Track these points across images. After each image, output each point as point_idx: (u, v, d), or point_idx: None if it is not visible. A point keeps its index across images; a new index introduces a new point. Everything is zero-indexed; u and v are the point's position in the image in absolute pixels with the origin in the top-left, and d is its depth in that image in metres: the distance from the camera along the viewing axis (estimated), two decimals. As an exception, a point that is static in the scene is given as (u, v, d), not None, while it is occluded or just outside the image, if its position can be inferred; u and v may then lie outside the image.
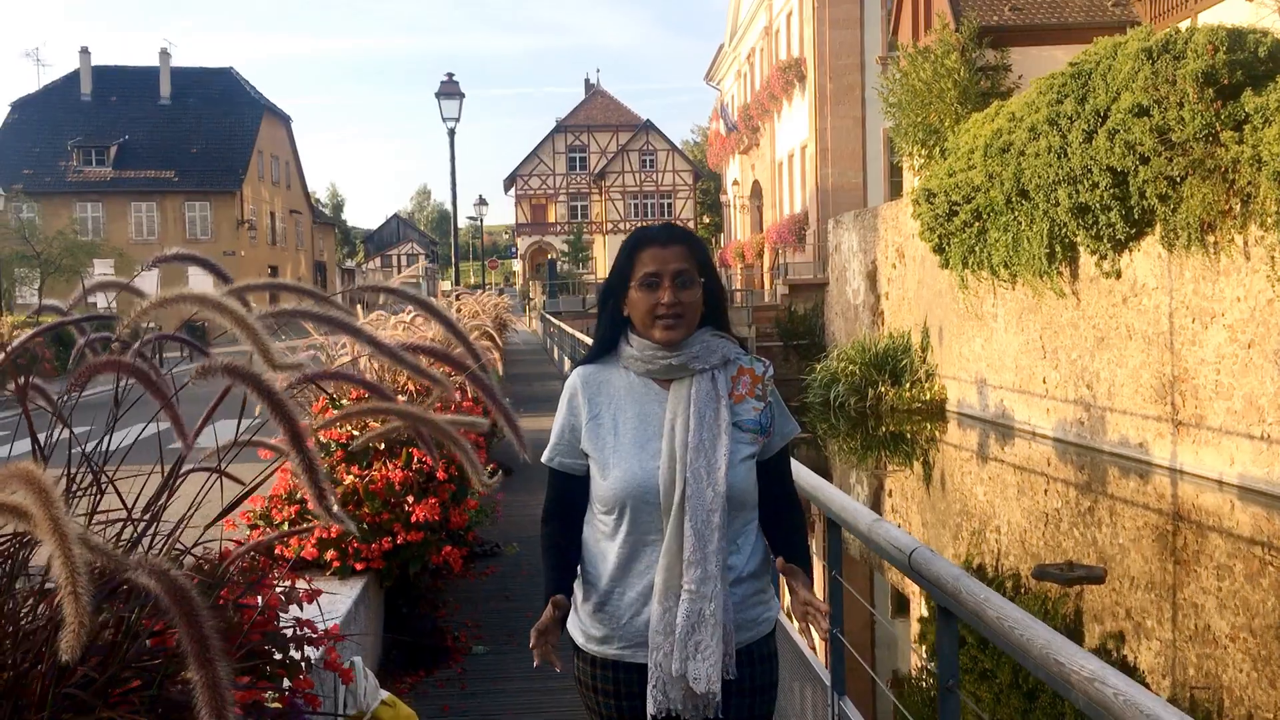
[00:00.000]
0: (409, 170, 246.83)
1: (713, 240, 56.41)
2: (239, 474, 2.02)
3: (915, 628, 8.98)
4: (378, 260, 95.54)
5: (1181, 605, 9.87)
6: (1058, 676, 1.80)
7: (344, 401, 5.16)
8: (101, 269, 42.33)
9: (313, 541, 4.85)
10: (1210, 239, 13.04)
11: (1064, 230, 15.79)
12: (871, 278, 25.14)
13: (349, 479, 5.06)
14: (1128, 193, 14.16)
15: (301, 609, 2.54)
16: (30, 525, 0.98)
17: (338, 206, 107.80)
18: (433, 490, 5.22)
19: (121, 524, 1.73)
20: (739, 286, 36.90)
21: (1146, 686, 7.74)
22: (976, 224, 18.22)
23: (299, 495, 4.81)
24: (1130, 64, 14.09)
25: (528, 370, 23.13)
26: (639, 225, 2.60)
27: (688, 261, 2.37)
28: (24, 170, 46.16)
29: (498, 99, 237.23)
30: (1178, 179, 13.30)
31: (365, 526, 4.96)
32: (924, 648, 7.86)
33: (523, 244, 71.63)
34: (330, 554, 4.89)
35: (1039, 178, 15.95)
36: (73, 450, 1.75)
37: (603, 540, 2.39)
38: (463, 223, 78.04)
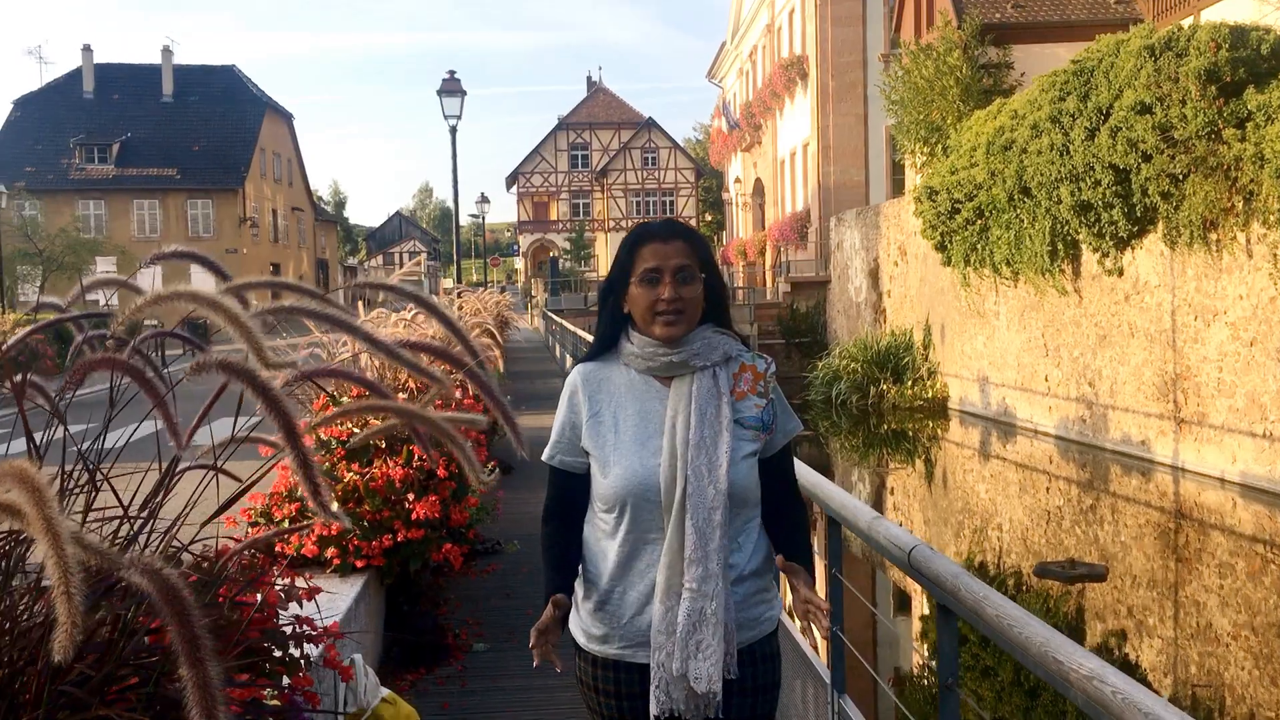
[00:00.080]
0: (411, 168, 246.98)
1: (715, 238, 56.39)
2: (240, 471, 2.02)
3: (916, 626, 8.97)
4: (380, 258, 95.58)
5: (1183, 603, 9.86)
6: (1056, 675, 1.80)
7: (344, 399, 5.15)
8: (104, 267, 42.38)
9: (313, 539, 4.86)
10: (1212, 237, 13.02)
11: (1066, 228, 15.78)
12: (873, 275, 25.13)
13: (350, 476, 5.06)
14: (1130, 190, 14.15)
15: (301, 606, 2.54)
16: (23, 523, 0.98)
17: (340, 204, 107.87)
18: (433, 488, 5.22)
19: (118, 522, 1.73)
20: (741, 284, 36.89)
21: (1148, 685, 7.72)
22: (979, 222, 18.21)
23: (299, 492, 4.81)
24: (1133, 61, 14.07)
25: (529, 368, 23.13)
26: (640, 222, 2.58)
27: (689, 257, 2.35)
28: (26, 168, 46.16)
29: (500, 96, 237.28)
30: (1180, 177, 13.28)
31: (366, 524, 4.96)
32: (924, 646, 7.86)
33: (525, 242, 71.64)
34: (331, 551, 4.89)
35: (1041, 175, 15.93)
36: (68, 448, 1.74)
37: (603, 539, 2.37)
38: (465, 220, 78.04)
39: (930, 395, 21.42)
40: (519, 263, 77.28)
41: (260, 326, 1.37)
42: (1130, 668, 7.95)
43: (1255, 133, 12.17)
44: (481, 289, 21.27)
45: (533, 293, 57.11)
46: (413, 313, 6.96)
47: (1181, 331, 13.82)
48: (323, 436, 5.10)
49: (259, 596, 2.27)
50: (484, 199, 48.79)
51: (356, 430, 4.87)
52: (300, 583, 2.61)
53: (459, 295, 13.66)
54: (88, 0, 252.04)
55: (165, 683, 1.56)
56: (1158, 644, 8.77)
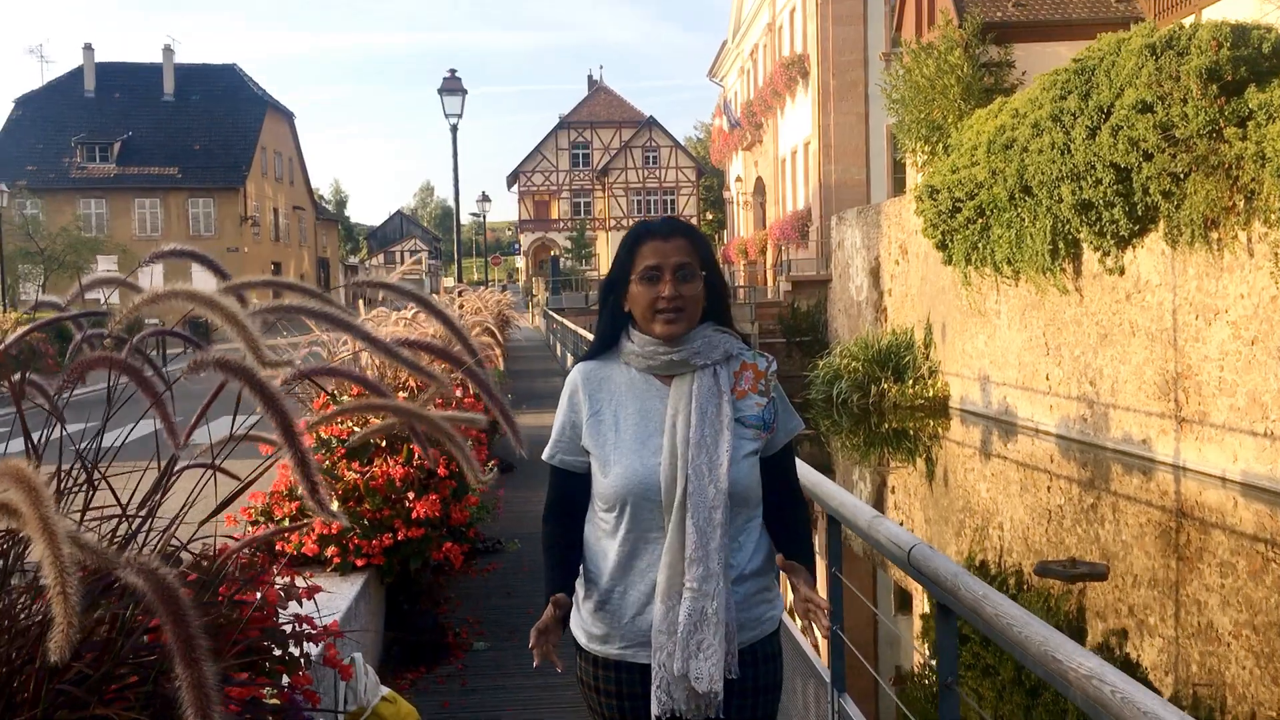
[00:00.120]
0: (412, 167, 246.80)
1: (716, 237, 56.38)
2: (242, 470, 2.02)
3: (916, 625, 8.97)
4: (381, 257, 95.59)
5: (1184, 602, 9.86)
6: (1055, 674, 1.80)
7: (345, 398, 5.15)
8: (105, 265, 42.42)
9: (313, 538, 4.86)
10: (1214, 235, 13.02)
11: (1067, 227, 15.77)
12: (874, 274, 25.12)
13: (350, 475, 5.06)
14: (1131, 189, 14.14)
15: (300, 605, 2.54)
16: (19, 523, 0.98)
17: (341, 203, 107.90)
18: (433, 486, 5.22)
19: (116, 520, 1.73)
20: (742, 283, 36.91)
21: (1149, 684, 7.71)
22: (980, 220, 18.20)
23: (299, 491, 4.81)
24: (1134, 60, 14.06)
25: (530, 367, 23.14)
26: (640, 220, 2.57)
27: (689, 255, 2.34)
28: (28, 167, 46.18)
29: (500, 95, 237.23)
30: (1181, 175, 13.27)
31: (366, 523, 4.96)
32: (925, 645, 7.85)
33: (525, 240, 71.63)
34: (331, 550, 4.89)
35: (1042, 174, 15.93)
36: (64, 447, 1.74)
37: (604, 538, 2.37)
38: (466, 219, 78.06)
39: (931, 394, 21.41)
40: (520, 261, 77.27)
41: (259, 325, 1.37)
42: (1131, 667, 7.95)
43: (1256, 131, 12.16)
44: (482, 288, 21.27)
45: (534, 292, 57.12)
46: (413, 312, 6.96)
47: (1183, 330, 13.81)
48: (323, 435, 5.10)
49: (258, 595, 2.27)
50: (485, 198, 48.81)
51: (357, 429, 4.87)
52: (300, 581, 2.61)
53: (460, 294, 13.65)
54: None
55: (164, 681, 1.56)
56: (1159, 643, 8.76)
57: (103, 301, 1.87)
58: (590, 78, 73.59)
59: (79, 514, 1.69)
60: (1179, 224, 13.45)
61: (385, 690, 3.86)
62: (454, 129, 19.89)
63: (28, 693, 1.46)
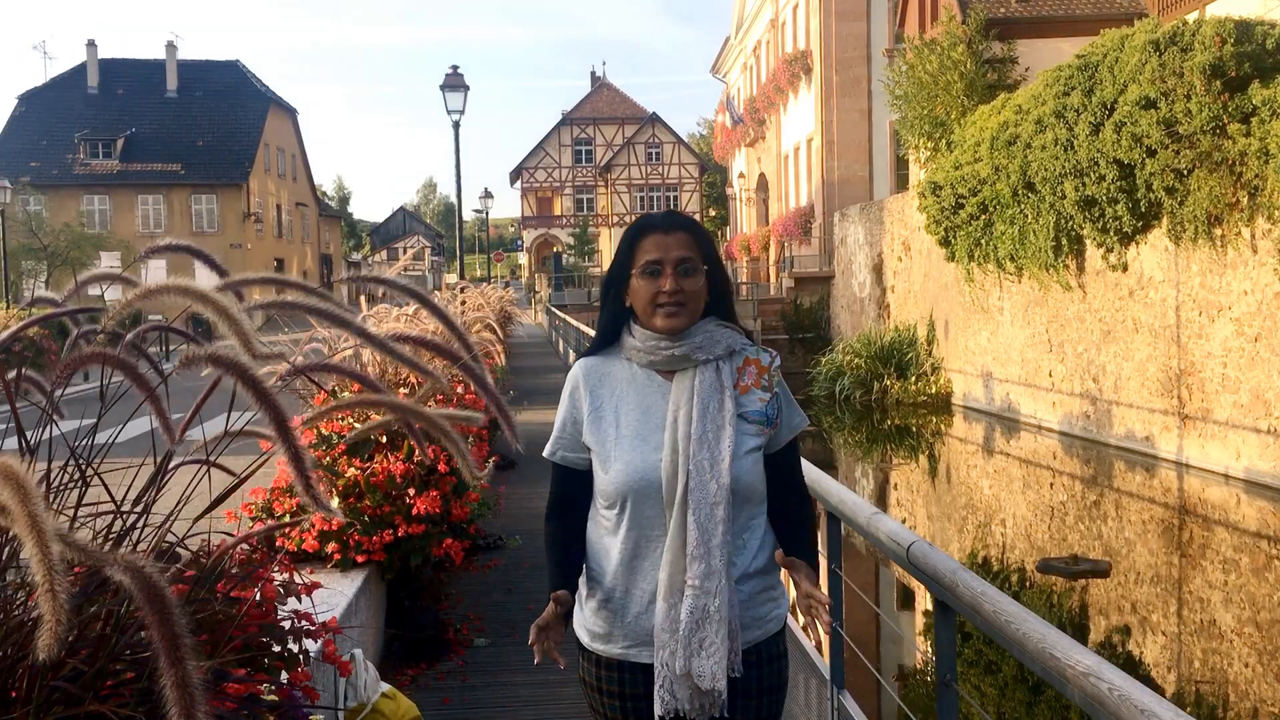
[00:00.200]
0: (414, 163, 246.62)
1: (719, 233, 56.36)
2: (237, 465, 2.01)
3: (917, 622, 8.96)
4: (384, 253, 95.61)
5: (1187, 599, 9.85)
6: (1054, 671, 1.79)
7: (345, 395, 5.15)
8: (108, 262, 42.39)
9: (314, 534, 4.86)
10: (1217, 232, 12.99)
11: (1070, 223, 15.75)
12: (877, 271, 25.10)
13: (351, 471, 5.06)
14: (1134, 185, 14.11)
15: (300, 601, 2.54)
16: (8, 520, 0.98)
17: (344, 199, 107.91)
18: (434, 483, 5.22)
19: (110, 517, 1.73)
20: (745, 279, 36.90)
21: (1151, 681, 7.71)
22: (983, 217, 18.18)
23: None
24: (1137, 56, 14.03)
25: (533, 363, 23.13)
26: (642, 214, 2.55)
27: (690, 249, 2.31)
28: (31, 163, 46.25)
29: (503, 92, 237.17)
30: (1185, 172, 13.24)
31: (366, 519, 4.96)
32: (925, 642, 7.85)
33: (528, 237, 71.61)
34: (331, 546, 4.89)
35: (1045, 170, 15.90)
36: (55, 443, 1.74)
37: (606, 536, 2.35)
38: (468, 215, 78.10)
39: (934, 391, 21.40)
40: (522, 258, 77.28)
41: (252, 320, 1.36)
42: (1133, 663, 7.94)
43: (1260, 128, 12.13)
44: (485, 284, 21.27)
45: (536, 288, 57.13)
46: (414, 308, 6.95)
47: (1186, 327, 13.79)
48: (323, 431, 5.10)
49: (257, 592, 2.27)
50: (488, 194, 48.76)
51: (358, 425, 4.86)
52: (299, 577, 2.61)
53: (462, 290, 13.65)
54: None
55: (159, 678, 1.56)
56: (1161, 640, 8.75)
57: (102, 296, 1.87)
58: (593, 74, 73.62)
59: (72, 511, 1.69)
60: (1182, 220, 13.42)
61: (386, 687, 3.87)
62: (456, 125, 19.88)
63: (21, 689, 1.46)
